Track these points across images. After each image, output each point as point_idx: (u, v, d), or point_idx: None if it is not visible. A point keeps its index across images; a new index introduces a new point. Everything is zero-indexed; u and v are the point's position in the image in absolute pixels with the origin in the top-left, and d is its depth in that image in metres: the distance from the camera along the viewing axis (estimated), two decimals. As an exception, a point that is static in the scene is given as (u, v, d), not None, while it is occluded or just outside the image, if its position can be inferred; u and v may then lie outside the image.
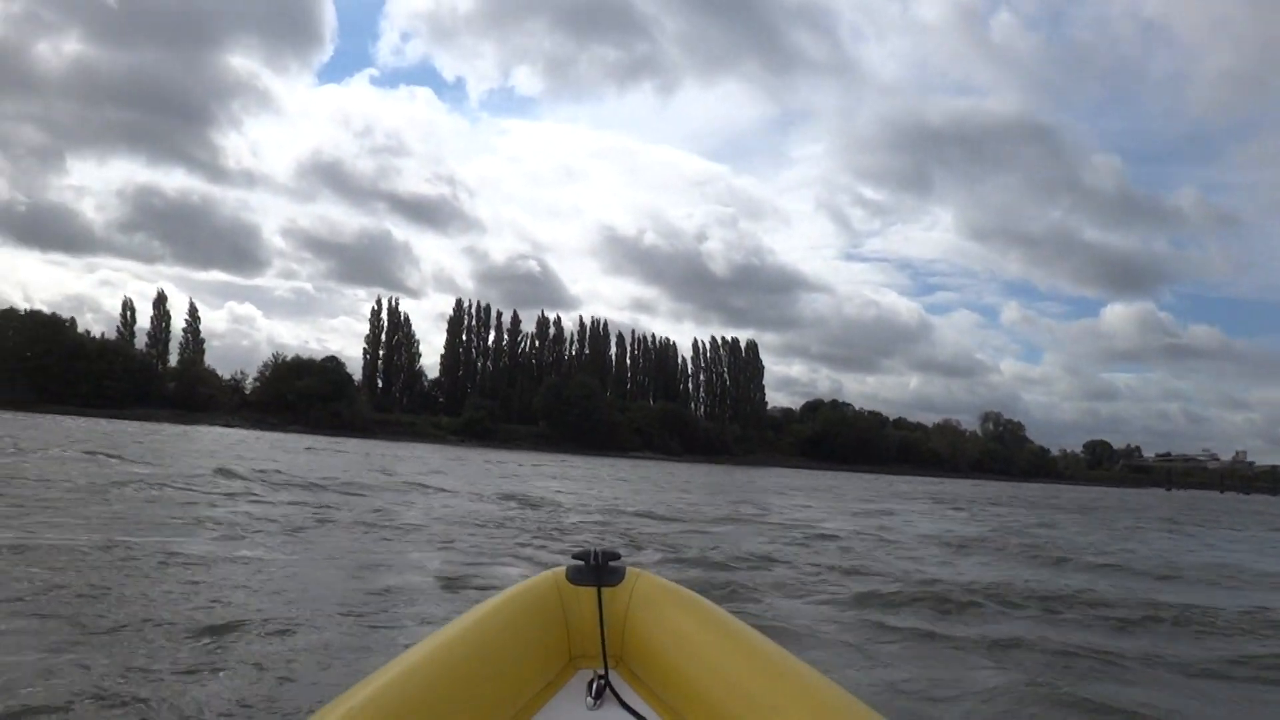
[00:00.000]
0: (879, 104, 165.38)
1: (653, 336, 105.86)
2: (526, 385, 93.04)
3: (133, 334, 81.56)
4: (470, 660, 1.64)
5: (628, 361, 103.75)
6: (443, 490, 16.15)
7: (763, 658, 1.68)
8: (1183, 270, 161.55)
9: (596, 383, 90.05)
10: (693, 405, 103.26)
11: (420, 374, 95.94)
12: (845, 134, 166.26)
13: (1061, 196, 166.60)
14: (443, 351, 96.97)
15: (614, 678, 1.82)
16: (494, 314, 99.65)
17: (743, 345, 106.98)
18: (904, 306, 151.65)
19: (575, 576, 1.91)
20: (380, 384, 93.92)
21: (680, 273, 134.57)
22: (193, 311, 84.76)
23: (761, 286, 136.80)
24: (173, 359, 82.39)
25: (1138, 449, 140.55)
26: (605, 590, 1.88)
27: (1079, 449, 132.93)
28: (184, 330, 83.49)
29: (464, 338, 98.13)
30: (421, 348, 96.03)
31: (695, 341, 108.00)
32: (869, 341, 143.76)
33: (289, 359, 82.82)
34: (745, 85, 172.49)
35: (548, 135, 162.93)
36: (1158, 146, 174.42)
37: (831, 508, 20.94)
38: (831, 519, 16.25)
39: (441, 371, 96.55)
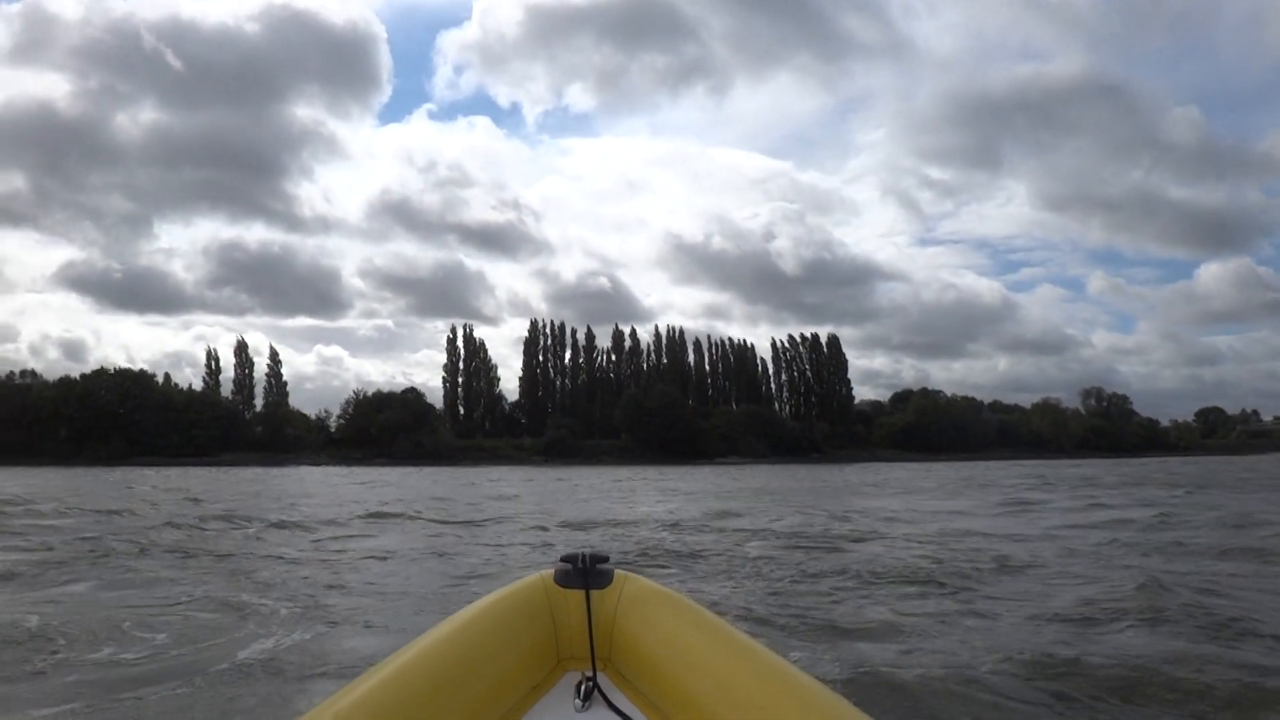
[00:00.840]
0: (938, 80, 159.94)
1: (730, 340, 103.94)
2: (606, 400, 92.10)
3: (218, 383, 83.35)
4: (458, 662, 1.66)
5: (706, 367, 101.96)
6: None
7: (751, 660, 1.68)
8: (1279, 221, 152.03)
9: (677, 391, 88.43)
10: (777, 406, 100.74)
11: (500, 398, 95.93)
12: (905, 116, 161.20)
13: (1140, 156, 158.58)
14: (521, 374, 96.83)
15: (602, 680, 1.81)
16: (569, 332, 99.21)
17: (823, 340, 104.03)
18: (984, 286, 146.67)
19: (563, 579, 1.91)
20: (462, 411, 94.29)
21: (751, 275, 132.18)
22: (274, 356, 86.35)
23: (834, 280, 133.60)
24: (259, 403, 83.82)
25: (1255, 413, 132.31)
26: (594, 593, 1.88)
27: (1189, 418, 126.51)
28: (267, 375, 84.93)
29: (540, 358, 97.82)
30: (502, 372, 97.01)
31: (774, 341, 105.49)
32: (951, 326, 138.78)
33: (370, 394, 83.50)
34: (799, 77, 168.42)
35: (606, 150, 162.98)
36: (1237, 93, 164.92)
37: (968, 505, 18.72)
38: (982, 520, 14.19)
39: (521, 393, 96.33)
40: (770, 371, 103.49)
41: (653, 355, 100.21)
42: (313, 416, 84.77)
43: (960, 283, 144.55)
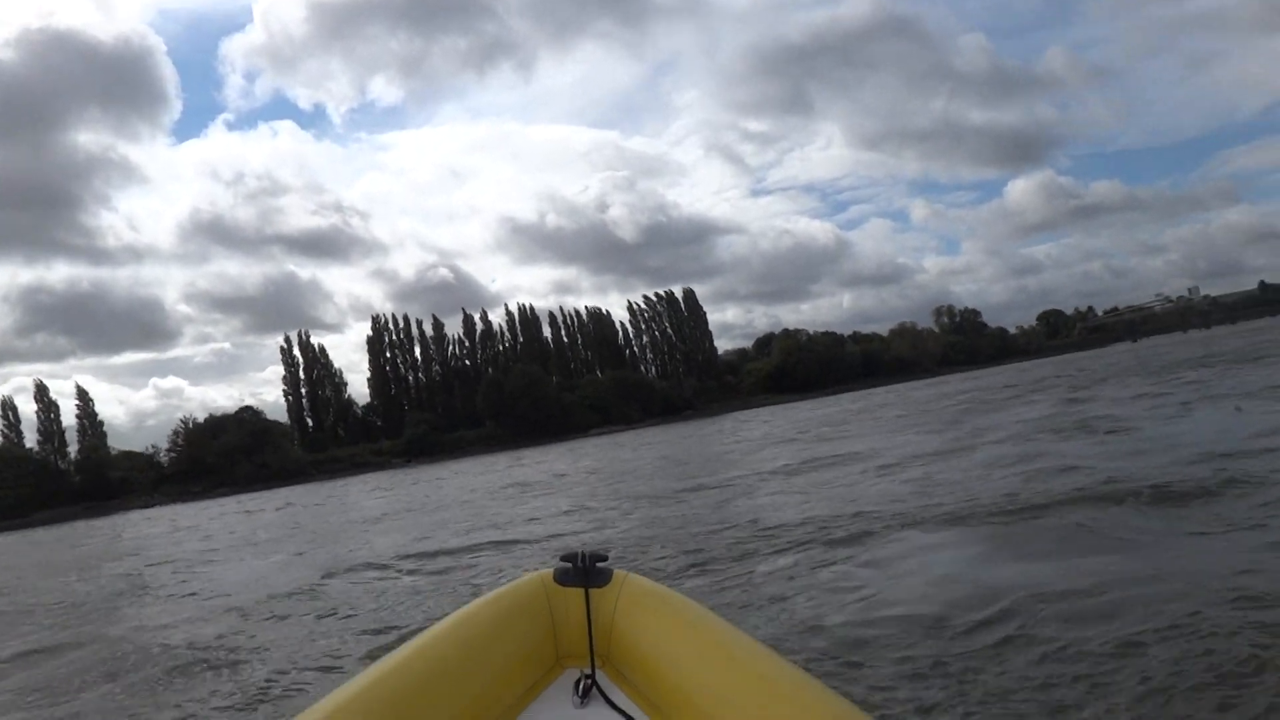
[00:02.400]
0: (738, 34, 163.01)
1: (585, 309, 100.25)
2: (467, 390, 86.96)
3: (20, 435, 73.54)
4: (458, 659, 1.67)
5: (565, 340, 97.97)
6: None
7: (749, 659, 1.68)
8: (1072, 132, 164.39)
9: (537, 369, 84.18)
10: (643, 368, 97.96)
11: (350, 403, 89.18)
12: (714, 73, 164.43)
13: (939, 85, 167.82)
14: (368, 374, 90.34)
15: (601, 677, 1.82)
16: (414, 325, 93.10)
17: (679, 296, 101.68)
18: (818, 229, 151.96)
19: (563, 578, 1.92)
20: (311, 423, 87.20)
21: (591, 247, 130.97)
22: (81, 395, 76.86)
23: (674, 241, 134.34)
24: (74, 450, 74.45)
25: (1091, 309, 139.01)
26: (593, 591, 1.89)
27: (1031, 323, 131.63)
28: (77, 417, 75.54)
29: (388, 355, 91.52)
30: (356, 378, 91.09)
31: (630, 304, 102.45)
32: (793, 270, 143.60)
33: (200, 420, 75.66)
34: (604, 44, 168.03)
35: (425, 141, 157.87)
36: (1017, 16, 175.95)
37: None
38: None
39: (373, 395, 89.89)
40: (631, 335, 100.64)
41: (507, 336, 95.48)
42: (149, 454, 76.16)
43: (795, 228, 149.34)
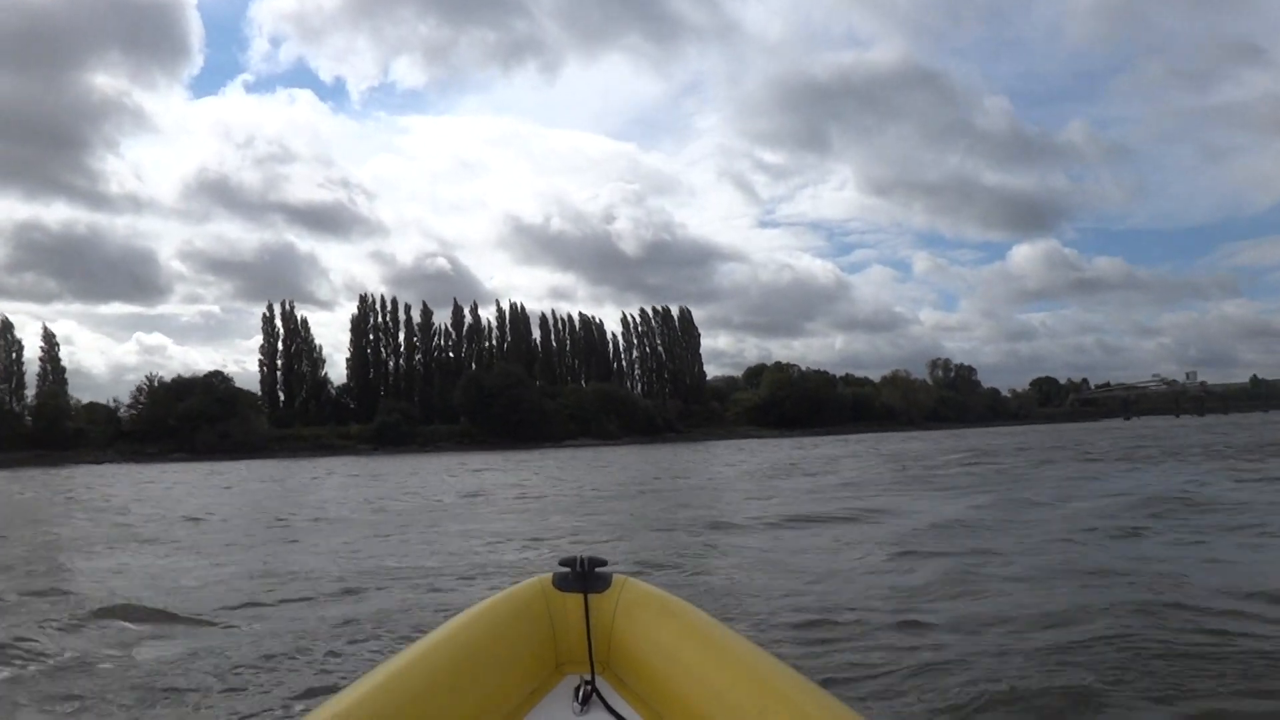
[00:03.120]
0: (766, 65, 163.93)
1: (578, 315, 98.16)
2: (447, 383, 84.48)
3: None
4: (456, 666, 1.66)
5: (554, 344, 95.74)
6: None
7: (750, 664, 1.68)
8: (1082, 205, 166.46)
9: (521, 370, 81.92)
10: (628, 384, 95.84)
11: (325, 382, 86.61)
12: (737, 100, 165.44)
13: (956, 141, 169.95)
14: (348, 354, 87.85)
15: (601, 684, 1.82)
16: (403, 310, 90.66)
17: (675, 314, 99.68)
18: (819, 268, 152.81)
19: (562, 583, 1.91)
20: (283, 397, 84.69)
21: (592, 256, 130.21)
22: (48, 337, 74.17)
23: (675, 261, 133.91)
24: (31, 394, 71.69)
25: (1085, 381, 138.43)
26: (592, 596, 1.89)
27: (1023, 388, 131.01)
28: (40, 360, 72.84)
29: (371, 337, 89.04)
30: (340, 358, 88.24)
31: (624, 315, 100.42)
32: (790, 306, 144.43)
33: (168, 380, 73.05)
34: (630, 58, 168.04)
35: (442, 129, 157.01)
36: (1044, 85, 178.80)
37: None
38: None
39: (350, 376, 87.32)
40: (621, 349, 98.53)
41: (495, 333, 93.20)
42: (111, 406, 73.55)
43: (797, 264, 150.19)
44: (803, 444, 52.37)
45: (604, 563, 1.93)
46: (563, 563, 1.93)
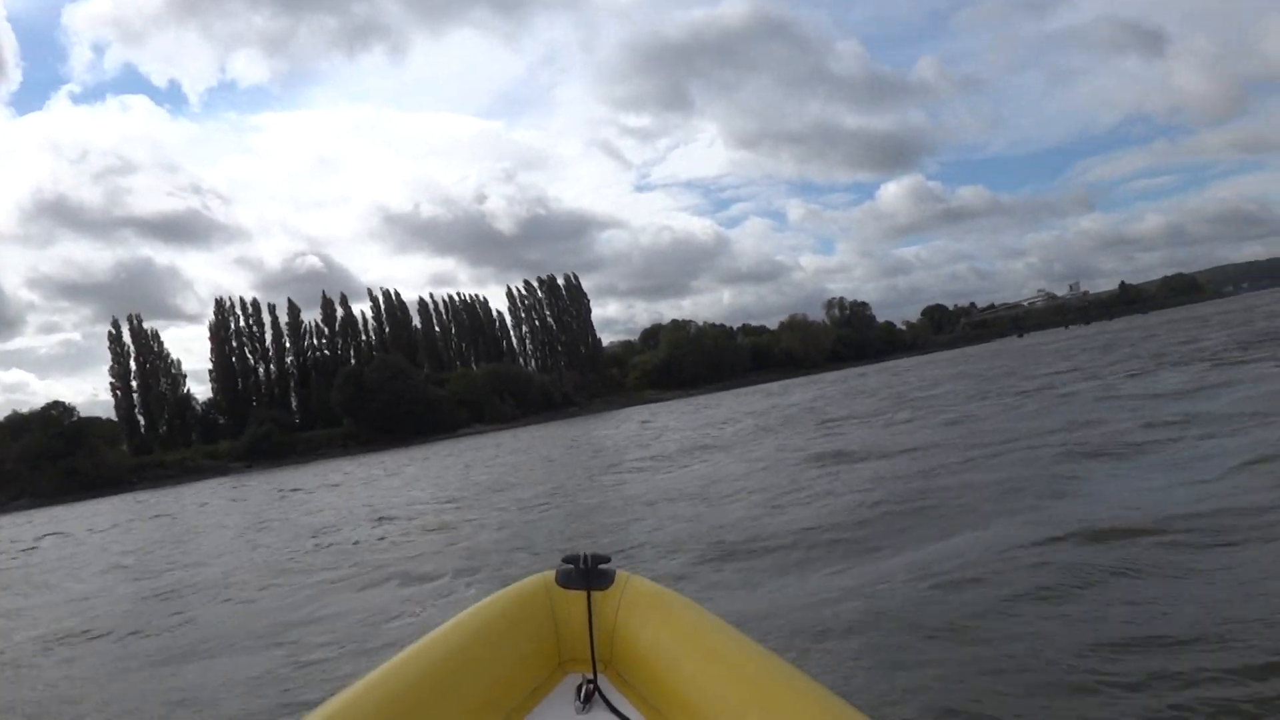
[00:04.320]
0: (618, 30, 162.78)
1: (459, 295, 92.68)
2: (326, 384, 78.18)
3: None
4: (459, 664, 1.65)
5: (437, 329, 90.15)
6: None
7: (753, 663, 1.65)
8: (942, 139, 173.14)
9: (401, 358, 76.32)
10: (522, 361, 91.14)
11: (188, 399, 79.17)
12: (594, 67, 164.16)
13: (816, 88, 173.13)
14: (210, 366, 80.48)
15: (603, 682, 1.80)
16: (266, 311, 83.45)
17: (561, 284, 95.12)
18: (698, 225, 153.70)
19: (565, 580, 1.89)
20: (144, 421, 77.03)
21: (468, 238, 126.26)
22: None
23: (554, 235, 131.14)
24: None
25: (973, 305, 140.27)
26: (595, 594, 1.86)
27: (916, 319, 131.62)
28: None
29: (234, 344, 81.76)
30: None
31: (509, 289, 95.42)
32: (674, 266, 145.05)
33: (-1, 419, 64.91)
34: (480, 33, 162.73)
35: (294, 124, 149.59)
36: (895, 26, 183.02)
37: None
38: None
39: (215, 390, 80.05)
40: (509, 325, 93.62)
41: (372, 325, 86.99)
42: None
43: (676, 224, 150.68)
44: (712, 403, 49.28)
45: (607, 559, 1.89)
46: (566, 559, 1.89)
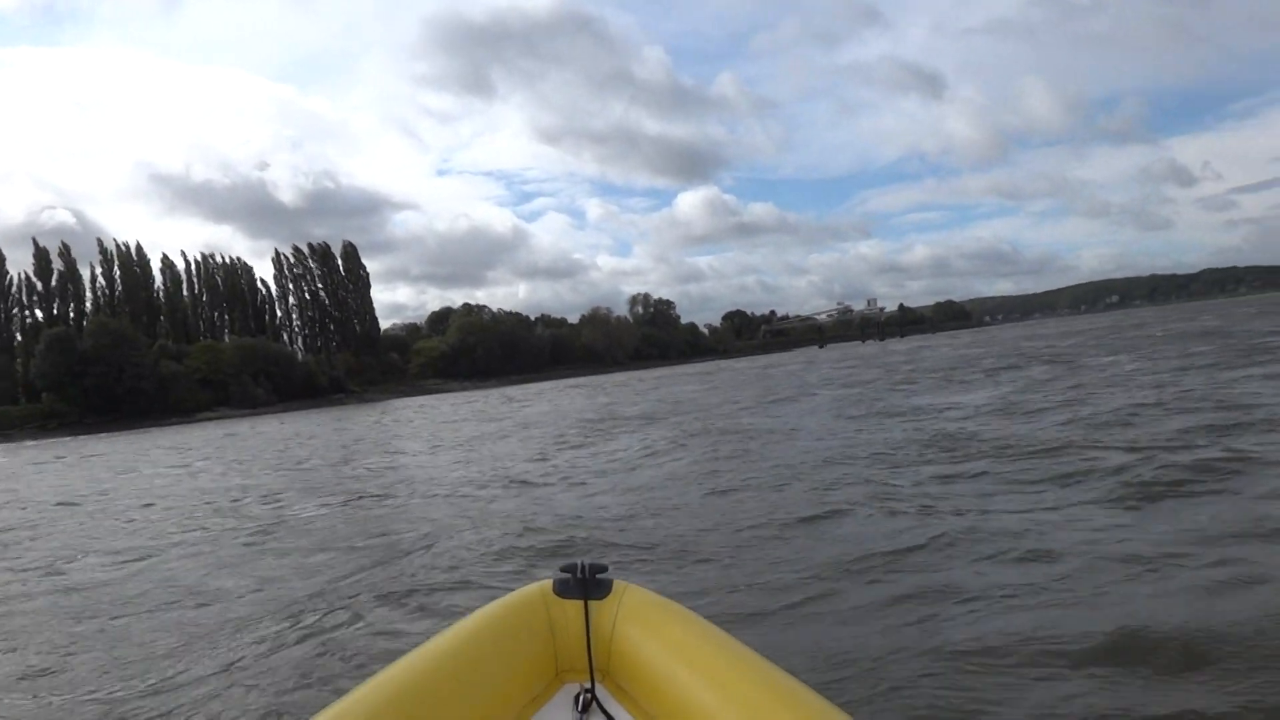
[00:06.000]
0: (420, 4, 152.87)
1: (218, 256, 79.50)
2: (27, 349, 63.59)
3: None
4: (456, 673, 1.64)
5: (185, 295, 76.69)
6: None
7: (750, 672, 1.65)
8: (738, 155, 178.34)
9: (127, 324, 63.17)
10: (286, 338, 79.33)
11: None
12: (394, 41, 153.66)
13: (620, 90, 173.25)
14: None
15: (600, 691, 1.79)
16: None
17: (337, 252, 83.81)
18: (497, 216, 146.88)
19: (562, 589, 1.89)
20: None
21: (246, 206, 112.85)
22: None
23: (343, 211, 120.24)
24: None
25: (772, 314, 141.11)
26: (592, 603, 1.86)
27: (717, 323, 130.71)
28: None
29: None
30: None
31: (277, 254, 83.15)
32: (470, 255, 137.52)
33: None
34: None
35: (49, 61, 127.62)
36: (700, 40, 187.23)
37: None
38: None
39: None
40: (275, 296, 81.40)
41: (102, 284, 72.52)
42: None
43: (474, 212, 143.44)
44: (519, 395, 41.83)
45: (605, 568, 1.88)
46: (563, 568, 1.88)
